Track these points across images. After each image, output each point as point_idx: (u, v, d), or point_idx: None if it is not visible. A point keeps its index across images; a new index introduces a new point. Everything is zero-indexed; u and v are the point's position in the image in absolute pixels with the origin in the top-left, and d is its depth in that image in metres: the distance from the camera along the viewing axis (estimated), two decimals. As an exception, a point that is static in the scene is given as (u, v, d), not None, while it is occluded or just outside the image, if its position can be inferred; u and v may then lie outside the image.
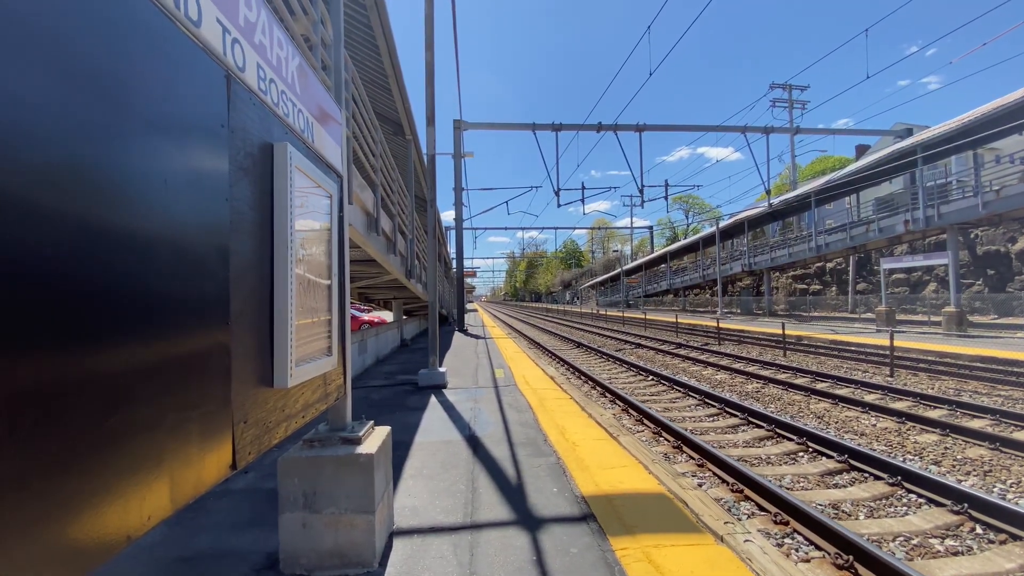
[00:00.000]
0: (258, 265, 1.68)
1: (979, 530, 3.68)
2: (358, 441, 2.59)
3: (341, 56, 3.40)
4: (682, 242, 44.97)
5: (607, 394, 8.86)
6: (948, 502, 3.99)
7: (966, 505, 3.87)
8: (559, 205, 23.20)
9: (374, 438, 2.72)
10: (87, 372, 0.93)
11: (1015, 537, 3.48)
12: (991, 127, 16.18)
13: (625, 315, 32.83)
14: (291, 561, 2.44)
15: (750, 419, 6.77)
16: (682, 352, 14.68)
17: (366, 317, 19.32)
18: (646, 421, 6.85)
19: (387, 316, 20.17)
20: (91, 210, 0.94)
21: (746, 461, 5.25)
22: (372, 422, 2.86)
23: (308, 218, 2.12)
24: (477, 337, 17.48)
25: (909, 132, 23.66)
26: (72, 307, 0.90)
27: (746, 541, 2.72)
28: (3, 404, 0.76)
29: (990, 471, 4.82)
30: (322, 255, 2.31)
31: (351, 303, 19.08)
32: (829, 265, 31.98)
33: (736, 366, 11.51)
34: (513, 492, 3.48)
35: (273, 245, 1.77)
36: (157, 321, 1.14)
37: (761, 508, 4.06)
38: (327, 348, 2.31)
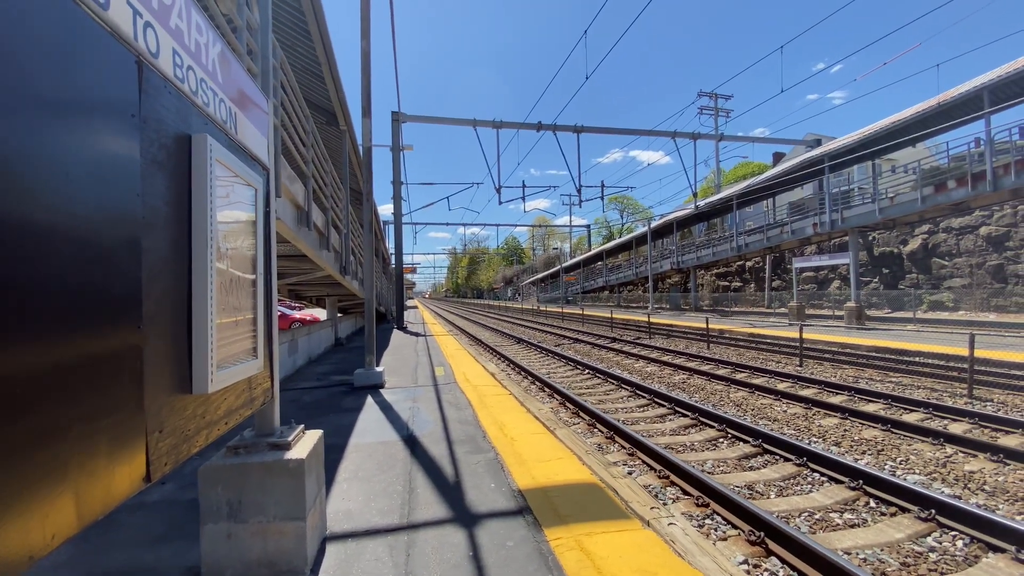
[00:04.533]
0: (175, 264, 1.58)
1: (873, 504, 4.12)
2: (287, 446, 2.50)
3: (269, 42, 3.24)
4: (617, 241, 46.60)
5: (546, 388, 9.06)
6: (846, 479, 4.44)
7: (861, 482, 4.32)
8: (500, 202, 23.31)
9: (304, 442, 2.63)
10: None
11: (904, 509, 3.92)
12: (888, 140, 18.04)
13: (564, 311, 33.58)
14: (215, 573, 2.32)
15: (677, 408, 7.18)
16: (616, 346, 15.26)
17: (297, 315, 18.51)
18: (582, 414, 7.08)
19: (320, 314, 19.40)
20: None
21: (672, 448, 5.57)
22: (302, 426, 2.76)
23: (232, 214, 2.02)
24: (417, 335, 17.22)
25: (818, 142, 25.91)
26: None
27: (670, 524, 2.90)
28: None
29: (883, 450, 5.40)
30: (247, 251, 2.20)
31: (280, 300, 18.05)
32: (749, 264, 34.40)
33: (665, 359, 12.14)
34: (451, 490, 3.49)
35: (191, 244, 1.67)
36: (58, 325, 1.05)
37: (685, 492, 4.34)
38: (252, 350, 2.21)
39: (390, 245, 29.10)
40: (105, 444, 1.20)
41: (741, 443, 5.69)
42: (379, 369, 7.64)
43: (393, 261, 24.67)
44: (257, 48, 3.28)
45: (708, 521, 3.83)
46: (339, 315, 16.51)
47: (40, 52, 1.02)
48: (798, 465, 4.89)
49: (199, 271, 1.68)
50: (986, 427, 5.98)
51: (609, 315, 24.46)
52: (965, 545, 3.43)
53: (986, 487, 4.39)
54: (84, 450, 1.13)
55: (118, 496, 1.26)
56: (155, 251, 1.44)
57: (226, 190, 1.92)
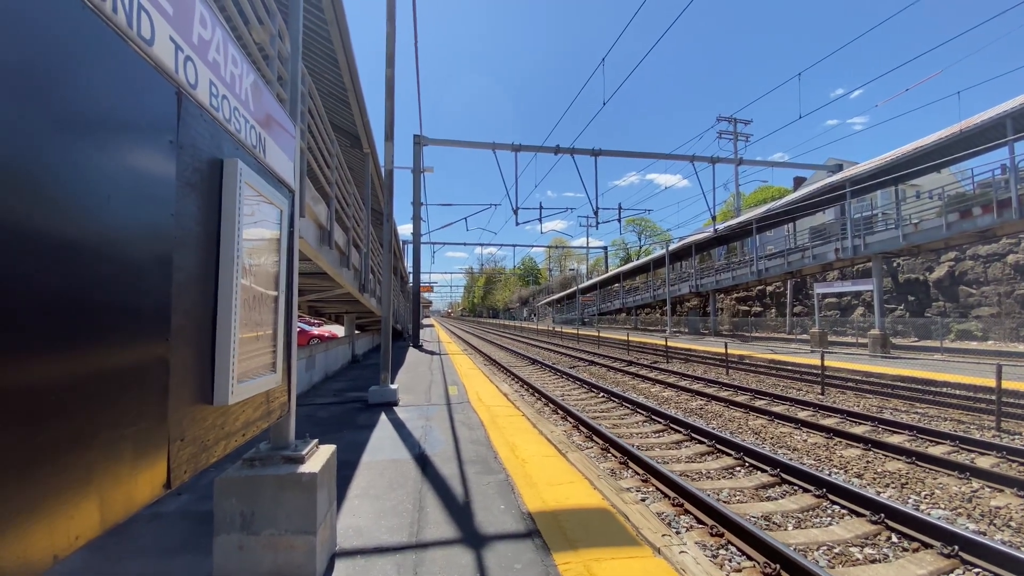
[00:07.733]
0: (202, 280, 1.67)
1: (895, 539, 3.97)
2: (301, 460, 2.55)
3: (298, 71, 3.41)
4: (635, 263, 46.37)
5: (559, 411, 8.98)
6: (868, 512, 4.29)
7: (883, 515, 4.18)
8: (517, 223, 23.57)
9: (318, 457, 2.68)
10: (18, 385, 0.91)
11: (927, 545, 3.78)
12: (911, 166, 17.80)
13: (580, 332, 33.35)
14: (225, 586, 2.35)
15: (693, 435, 7.05)
16: (632, 370, 15.07)
17: (316, 331, 18.74)
18: (595, 437, 7.00)
19: (338, 330, 19.62)
20: (26, 217, 0.93)
21: (688, 476, 5.46)
22: (316, 440, 2.81)
23: (257, 233, 2.11)
24: (432, 353, 17.28)
25: (840, 167, 25.64)
26: (2, 316, 0.88)
27: (681, 553, 2.85)
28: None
29: (906, 483, 5.21)
30: (270, 269, 2.29)
31: (300, 317, 18.35)
32: (769, 288, 33.83)
33: (682, 384, 11.94)
34: (461, 511, 3.48)
35: (219, 262, 1.76)
36: (92, 335, 1.13)
37: (699, 521, 4.24)
38: (271, 364, 2.28)
39: (408, 264, 29.49)
40: (130, 451, 1.26)
41: (759, 472, 5.55)
42: (394, 387, 7.69)
43: (411, 280, 24.96)
44: (287, 75, 3.45)
45: (722, 551, 3.74)
46: (356, 332, 16.70)
47: (90, 84, 1.11)
48: (817, 496, 4.75)
49: (225, 287, 1.76)
50: (1014, 461, 5.73)
51: (626, 338, 24.23)
52: (994, 586, 3.28)
53: (1012, 523, 4.20)
54: (110, 456, 1.19)
55: (140, 501, 1.31)
56: (185, 268, 1.53)
57: (253, 210, 2.02)
